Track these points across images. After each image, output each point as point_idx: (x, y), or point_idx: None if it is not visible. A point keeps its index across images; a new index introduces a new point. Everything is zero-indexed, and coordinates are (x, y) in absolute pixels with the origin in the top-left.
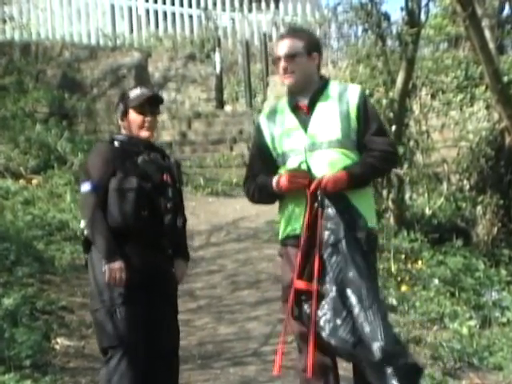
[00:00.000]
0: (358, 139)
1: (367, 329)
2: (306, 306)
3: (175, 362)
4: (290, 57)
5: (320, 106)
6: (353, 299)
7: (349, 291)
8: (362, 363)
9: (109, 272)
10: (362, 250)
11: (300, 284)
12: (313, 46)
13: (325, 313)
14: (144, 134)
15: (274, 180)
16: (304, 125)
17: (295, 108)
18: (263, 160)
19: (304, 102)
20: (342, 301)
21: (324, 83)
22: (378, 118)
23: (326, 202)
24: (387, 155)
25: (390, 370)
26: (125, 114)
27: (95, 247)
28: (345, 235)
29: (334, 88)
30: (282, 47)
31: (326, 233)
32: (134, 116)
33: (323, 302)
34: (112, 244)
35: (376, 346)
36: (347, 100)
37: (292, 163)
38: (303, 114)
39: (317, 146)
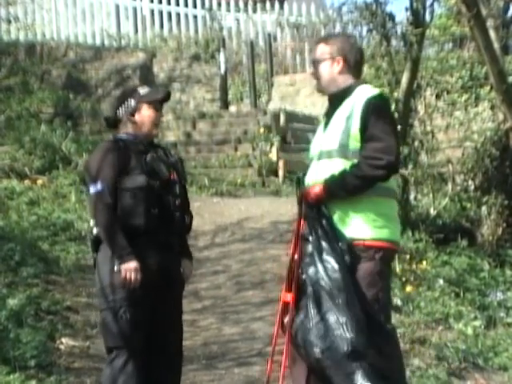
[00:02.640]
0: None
1: (337, 332)
2: (286, 318)
3: (178, 362)
4: (315, 62)
5: (338, 112)
6: (326, 307)
7: (324, 299)
8: (327, 371)
9: (124, 272)
10: (342, 260)
11: (286, 297)
12: (338, 50)
13: (301, 320)
14: (156, 130)
15: None
16: (324, 131)
17: (326, 113)
18: None
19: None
20: (318, 309)
21: (347, 87)
22: (376, 123)
23: (307, 212)
24: (370, 161)
25: (357, 370)
26: (137, 110)
27: (108, 247)
28: (321, 246)
29: (356, 93)
30: (312, 54)
31: (306, 244)
32: (149, 112)
33: (300, 311)
34: (126, 244)
35: (345, 341)
36: (357, 106)
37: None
38: (327, 120)
39: (321, 155)
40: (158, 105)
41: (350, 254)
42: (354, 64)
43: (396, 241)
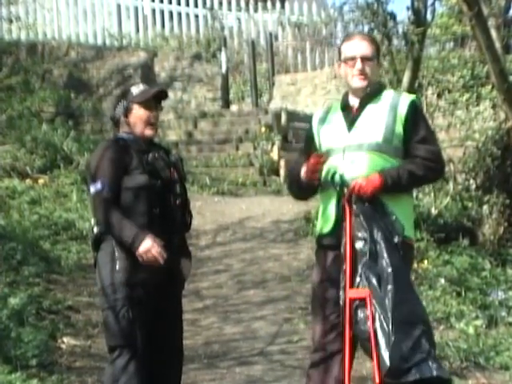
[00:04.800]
0: (404, 147)
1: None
2: (360, 314)
3: (179, 361)
4: (367, 59)
5: (369, 108)
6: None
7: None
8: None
9: (144, 256)
10: (400, 257)
11: (353, 293)
12: (378, 51)
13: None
14: (149, 131)
15: (302, 170)
16: (349, 124)
17: (345, 107)
18: (307, 156)
19: (355, 102)
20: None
21: (379, 87)
22: (427, 127)
23: (356, 209)
24: (428, 163)
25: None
26: (128, 111)
27: (119, 240)
28: (382, 244)
29: (388, 94)
30: (359, 48)
31: (360, 243)
32: (139, 112)
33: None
34: (134, 228)
35: (383, 360)
36: (397, 107)
37: (330, 163)
38: (351, 114)
39: (356, 148)
40: (149, 104)
41: (402, 249)
42: None
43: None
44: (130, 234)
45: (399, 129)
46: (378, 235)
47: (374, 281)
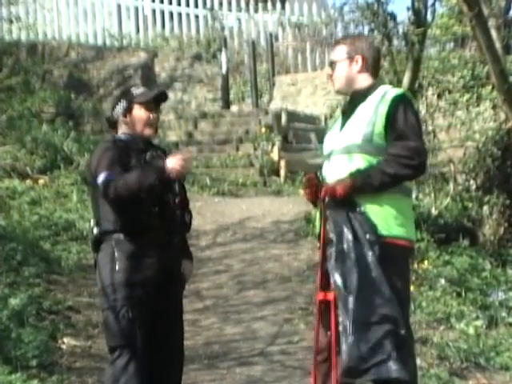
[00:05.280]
0: (388, 145)
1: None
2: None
3: (179, 361)
4: (331, 64)
5: (359, 109)
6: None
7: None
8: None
9: (177, 169)
10: (373, 256)
11: (322, 295)
12: (356, 50)
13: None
14: (148, 131)
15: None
16: (341, 127)
17: (343, 111)
18: None
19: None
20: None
21: (370, 86)
22: (406, 122)
23: (328, 211)
24: (402, 160)
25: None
26: (128, 111)
27: (154, 183)
28: (351, 244)
29: (379, 91)
30: (331, 55)
31: (330, 245)
32: (140, 112)
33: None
34: (148, 169)
35: (343, 359)
36: (382, 104)
37: (323, 168)
38: (345, 117)
39: (340, 150)
40: (150, 105)
41: (379, 246)
42: (373, 63)
43: (413, 239)
44: (152, 176)
45: (379, 126)
46: (348, 236)
47: (339, 282)
